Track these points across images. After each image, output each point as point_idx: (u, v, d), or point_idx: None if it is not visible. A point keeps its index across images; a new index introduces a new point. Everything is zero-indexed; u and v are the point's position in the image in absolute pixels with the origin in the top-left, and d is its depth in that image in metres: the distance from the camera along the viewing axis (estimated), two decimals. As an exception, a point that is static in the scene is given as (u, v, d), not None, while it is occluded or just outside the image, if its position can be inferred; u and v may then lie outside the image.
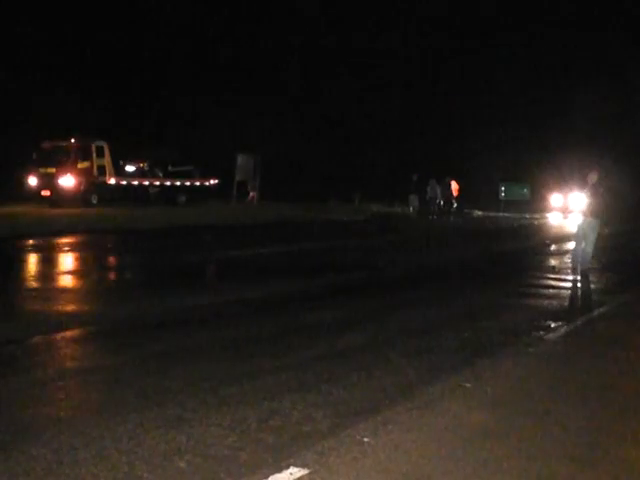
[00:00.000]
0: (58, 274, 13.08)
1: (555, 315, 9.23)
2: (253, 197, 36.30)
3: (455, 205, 35.87)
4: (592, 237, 13.26)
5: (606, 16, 48.78)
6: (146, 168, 32.83)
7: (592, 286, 12.11)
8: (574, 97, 46.34)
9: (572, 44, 48.52)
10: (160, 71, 43.28)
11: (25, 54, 38.35)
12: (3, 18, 37.80)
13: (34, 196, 29.22)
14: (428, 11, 48.97)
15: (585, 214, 13.47)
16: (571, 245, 15.61)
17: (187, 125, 41.57)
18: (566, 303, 10.59)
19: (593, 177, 13.46)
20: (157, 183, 32.83)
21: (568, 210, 34.88)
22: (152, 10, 42.75)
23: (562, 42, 48.73)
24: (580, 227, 13.50)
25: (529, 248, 19.72)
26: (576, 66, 49.13)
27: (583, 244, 13.24)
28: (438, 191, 34.67)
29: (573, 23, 48.27)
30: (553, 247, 19.54)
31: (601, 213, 13.35)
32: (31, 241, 18.17)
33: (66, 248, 17.50)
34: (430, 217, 33.88)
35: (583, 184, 14.25)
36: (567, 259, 15.34)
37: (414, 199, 34.76)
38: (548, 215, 37.66)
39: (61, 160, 29.13)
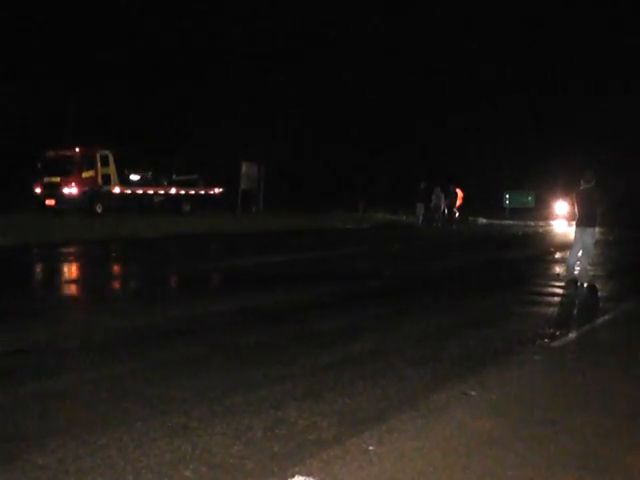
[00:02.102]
0: (62, 283, 13.11)
1: (560, 323, 9.23)
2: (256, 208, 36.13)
3: (457, 214, 35.86)
4: (589, 246, 12.39)
5: (610, 26, 48.87)
6: (150, 177, 32.91)
7: (598, 294, 12.07)
8: (578, 103, 46.41)
9: (575, 51, 48.62)
10: (165, 81, 43.40)
11: (29, 62, 38.48)
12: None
13: (38, 205, 29.26)
14: (434, 16, 49.15)
15: (578, 222, 12.53)
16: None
17: (192, 133, 41.69)
18: (571, 311, 10.57)
19: (587, 181, 12.42)
20: (162, 192, 32.90)
21: (573, 217, 34.86)
22: (155, 21, 42.91)
23: (566, 48, 48.84)
24: (576, 236, 12.55)
25: (534, 256, 19.69)
26: (579, 73, 49.21)
27: (579, 253, 12.42)
28: (443, 199, 34.72)
29: (574, 29, 48.38)
30: (558, 255, 19.50)
31: (596, 220, 12.30)
32: (36, 250, 18.23)
33: (70, 257, 17.55)
34: (434, 225, 33.88)
35: (576, 189, 12.77)
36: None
37: (421, 207, 34.77)
38: (553, 223, 37.64)
39: (65, 169, 29.18)
